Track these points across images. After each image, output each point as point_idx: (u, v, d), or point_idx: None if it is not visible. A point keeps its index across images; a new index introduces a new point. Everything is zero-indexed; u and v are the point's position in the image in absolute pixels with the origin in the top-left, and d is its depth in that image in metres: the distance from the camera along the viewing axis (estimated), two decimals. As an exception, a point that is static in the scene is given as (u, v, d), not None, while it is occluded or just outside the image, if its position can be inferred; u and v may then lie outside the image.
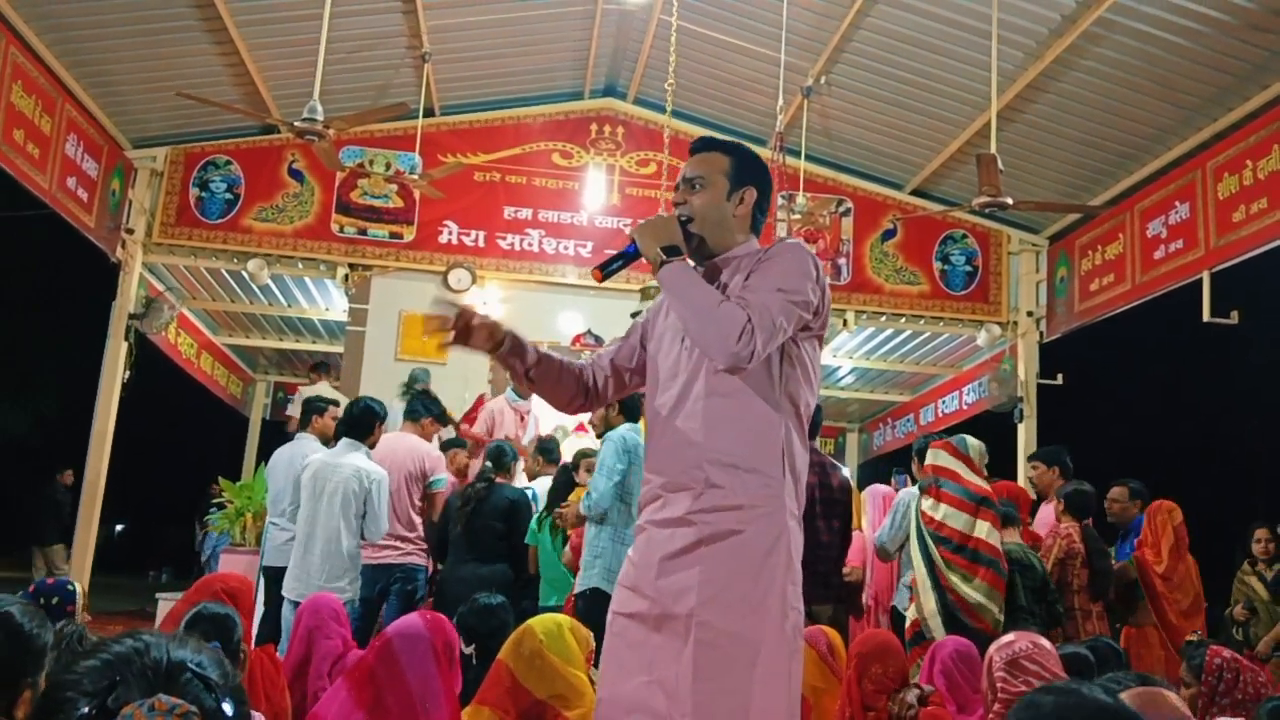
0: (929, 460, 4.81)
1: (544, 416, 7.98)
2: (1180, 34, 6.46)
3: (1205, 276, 7.08)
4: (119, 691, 1.10)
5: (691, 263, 2.30)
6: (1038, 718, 1.64)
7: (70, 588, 3.23)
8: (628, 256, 2.36)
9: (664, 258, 2.23)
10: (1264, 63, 6.51)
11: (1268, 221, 6.50)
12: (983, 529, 4.57)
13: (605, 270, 2.39)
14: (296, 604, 4.83)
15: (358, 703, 2.75)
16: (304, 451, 5.64)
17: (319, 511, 5.00)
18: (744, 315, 2.08)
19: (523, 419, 7.12)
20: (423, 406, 5.90)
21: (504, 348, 2.34)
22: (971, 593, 4.46)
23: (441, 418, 6.09)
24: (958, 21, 7.08)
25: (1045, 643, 2.86)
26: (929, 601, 4.49)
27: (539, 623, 3.21)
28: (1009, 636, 2.91)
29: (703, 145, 2.39)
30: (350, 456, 5.12)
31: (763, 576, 2.08)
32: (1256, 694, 3.28)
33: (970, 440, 4.85)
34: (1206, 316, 7.03)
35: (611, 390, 2.48)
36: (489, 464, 5.66)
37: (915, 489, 5.32)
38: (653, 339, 2.40)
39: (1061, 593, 5.17)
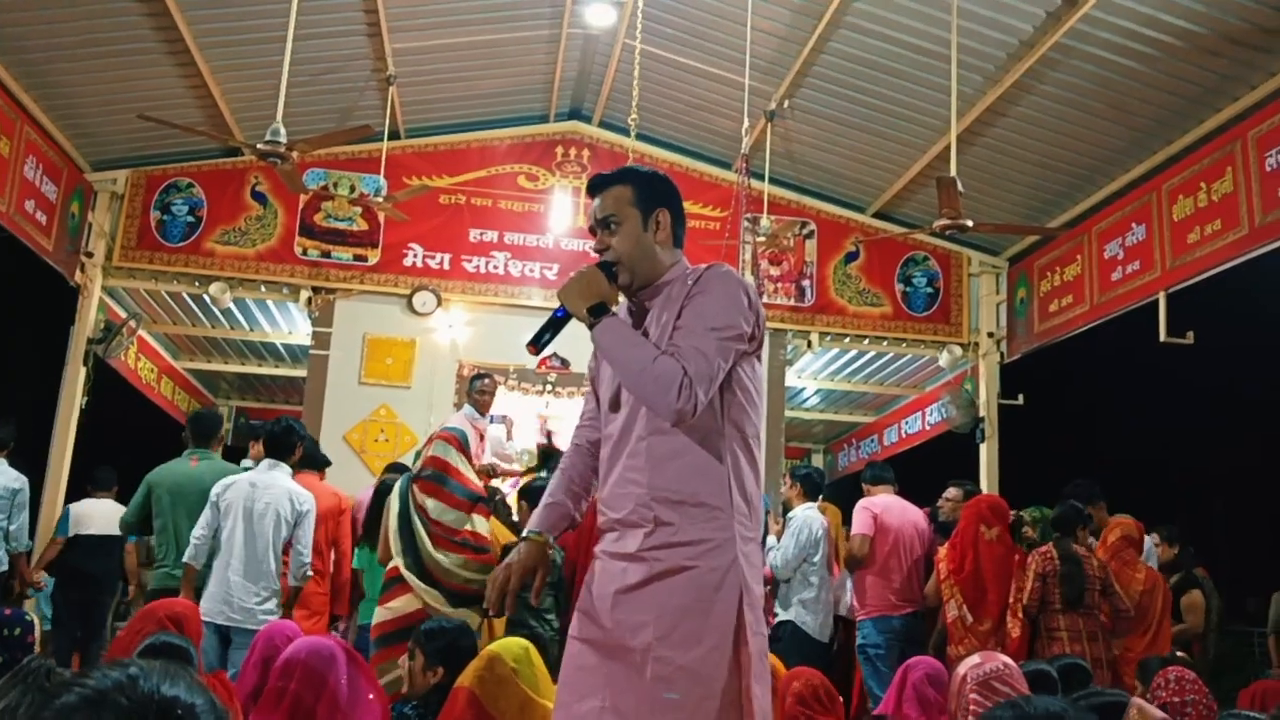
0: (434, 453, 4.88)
1: (518, 433, 8.10)
2: (1135, 59, 6.58)
3: (1161, 297, 7.19)
4: None
5: (623, 304, 2.31)
6: None
7: (28, 618, 3.18)
8: (557, 322, 2.28)
9: (591, 319, 2.21)
10: (1217, 87, 6.64)
11: (1221, 243, 6.62)
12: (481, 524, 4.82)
13: (537, 343, 2.31)
14: (217, 627, 4.70)
15: None
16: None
17: (250, 531, 4.91)
18: (679, 369, 2.08)
19: (482, 437, 7.12)
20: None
21: (551, 552, 2.35)
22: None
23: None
24: (918, 47, 7.18)
25: (1014, 663, 2.89)
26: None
27: (504, 649, 3.15)
28: (975, 658, 2.93)
29: (601, 183, 2.36)
30: (276, 476, 5.08)
31: (715, 610, 2.10)
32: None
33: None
34: (1163, 337, 7.13)
35: None
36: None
37: (809, 510, 5.98)
38: (600, 371, 2.42)
39: (1044, 613, 5.27)
